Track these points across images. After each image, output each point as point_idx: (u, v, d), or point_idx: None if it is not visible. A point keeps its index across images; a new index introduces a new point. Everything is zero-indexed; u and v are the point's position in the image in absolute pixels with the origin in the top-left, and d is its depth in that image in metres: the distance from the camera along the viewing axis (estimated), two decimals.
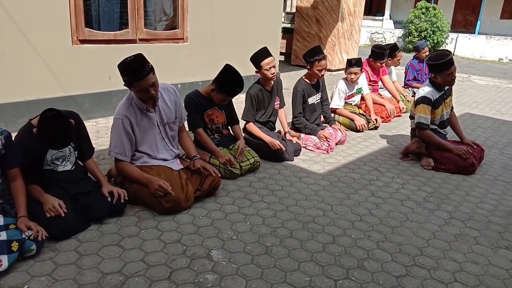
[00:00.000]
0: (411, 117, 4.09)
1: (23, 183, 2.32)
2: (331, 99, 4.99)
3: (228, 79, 3.25)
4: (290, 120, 4.43)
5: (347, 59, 4.96)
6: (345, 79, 5.00)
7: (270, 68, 3.71)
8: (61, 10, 4.24)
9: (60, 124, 2.30)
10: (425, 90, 3.85)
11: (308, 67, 4.15)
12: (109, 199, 2.58)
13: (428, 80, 3.95)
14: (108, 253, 2.25)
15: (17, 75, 4.05)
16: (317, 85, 4.34)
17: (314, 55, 4.05)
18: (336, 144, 4.30)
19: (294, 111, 4.23)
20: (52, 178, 2.52)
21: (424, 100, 3.81)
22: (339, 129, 4.43)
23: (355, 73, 4.83)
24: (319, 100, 4.39)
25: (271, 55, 3.74)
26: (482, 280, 2.22)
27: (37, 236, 2.16)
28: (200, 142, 3.40)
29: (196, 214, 2.74)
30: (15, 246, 2.07)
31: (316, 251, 2.39)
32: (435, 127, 3.96)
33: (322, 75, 4.20)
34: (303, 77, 4.29)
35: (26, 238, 2.12)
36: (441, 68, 3.72)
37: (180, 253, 2.30)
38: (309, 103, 4.26)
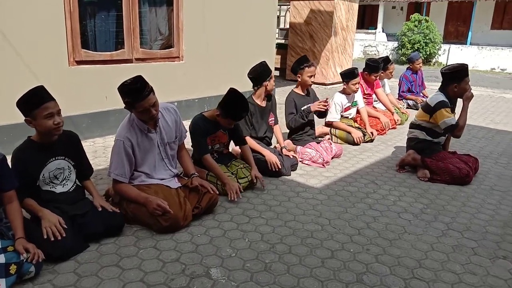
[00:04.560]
0: (413, 125, 4.10)
1: (19, 206, 2.33)
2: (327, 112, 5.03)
3: (233, 104, 3.24)
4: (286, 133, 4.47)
5: (348, 72, 4.97)
6: (342, 92, 5.05)
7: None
8: (58, 32, 4.30)
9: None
10: (439, 97, 3.85)
11: (298, 75, 4.26)
12: (99, 209, 2.61)
13: (439, 92, 3.93)
14: (107, 274, 2.25)
15: (15, 97, 4.06)
16: (308, 96, 4.41)
17: (303, 62, 4.20)
18: (332, 157, 4.34)
19: (286, 115, 4.31)
20: (51, 199, 2.53)
21: (444, 104, 3.80)
22: (334, 143, 4.48)
23: (358, 83, 4.96)
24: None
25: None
26: None
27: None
28: (205, 166, 3.38)
29: (194, 232, 2.74)
30: (13, 269, 2.07)
31: (315, 266, 2.39)
32: (436, 139, 3.99)
33: (312, 82, 4.29)
34: (293, 89, 4.42)
35: (24, 260, 2.12)
36: (463, 75, 3.78)
37: (179, 272, 2.29)
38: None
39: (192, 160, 3.31)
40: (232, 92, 3.29)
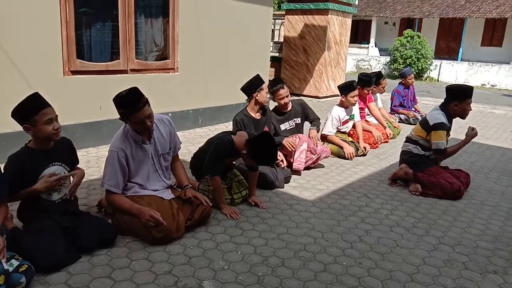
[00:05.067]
0: (409, 139, 4.14)
1: (7, 210, 2.34)
2: (324, 125, 5.06)
3: (261, 149, 3.07)
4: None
5: (346, 84, 5.00)
6: (340, 105, 5.07)
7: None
8: (53, 41, 4.31)
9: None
10: (440, 117, 3.90)
11: (273, 99, 4.37)
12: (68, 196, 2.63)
13: (440, 109, 3.98)
14: (98, 286, 2.23)
15: (8, 106, 4.05)
16: (290, 114, 4.47)
17: (273, 86, 4.28)
18: (318, 160, 4.44)
19: None
20: (46, 208, 2.53)
21: (443, 126, 3.87)
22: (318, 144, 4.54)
23: (357, 95, 5.00)
24: (293, 126, 4.50)
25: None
26: None
27: (26, 268, 2.14)
28: (213, 190, 3.30)
29: (187, 244, 2.74)
30: (1, 279, 2.04)
31: (308, 280, 2.40)
32: (429, 154, 4.03)
33: (285, 103, 4.34)
34: (276, 107, 4.50)
35: (12, 270, 2.10)
36: (466, 96, 3.86)
37: (172, 285, 2.28)
38: (282, 129, 4.41)
39: (185, 172, 3.31)
40: (264, 136, 3.11)
